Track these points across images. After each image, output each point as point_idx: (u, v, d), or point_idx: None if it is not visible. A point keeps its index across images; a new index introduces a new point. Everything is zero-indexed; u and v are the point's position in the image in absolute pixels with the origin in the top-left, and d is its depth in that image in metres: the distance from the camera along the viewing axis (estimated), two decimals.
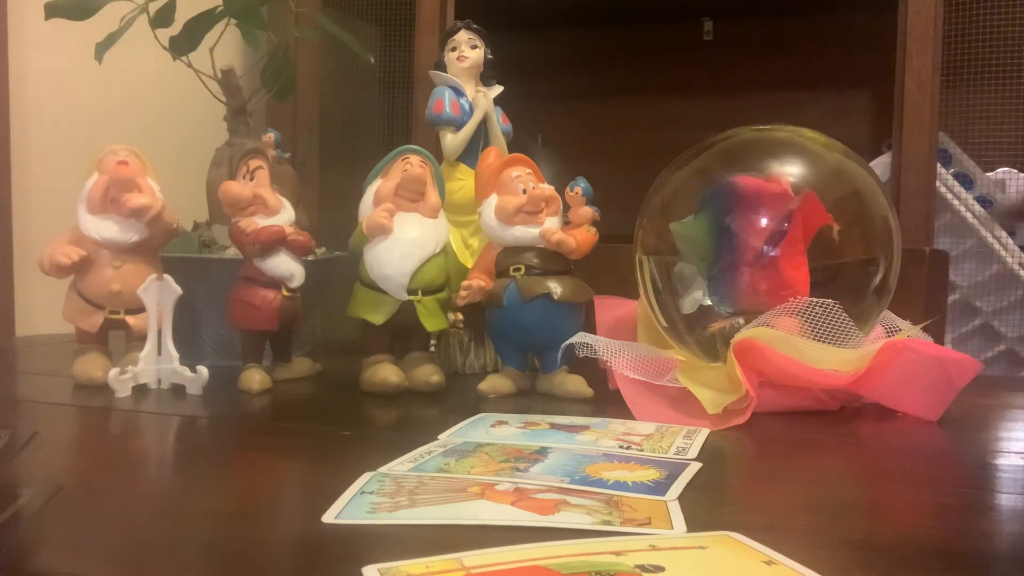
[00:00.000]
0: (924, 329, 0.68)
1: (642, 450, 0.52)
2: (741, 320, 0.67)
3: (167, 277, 0.71)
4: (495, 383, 0.71)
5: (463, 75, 0.86)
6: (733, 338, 0.64)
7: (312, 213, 1.08)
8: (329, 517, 0.39)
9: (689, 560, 0.34)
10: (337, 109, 1.61)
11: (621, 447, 0.52)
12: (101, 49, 0.82)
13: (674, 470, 0.47)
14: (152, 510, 0.43)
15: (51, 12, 0.83)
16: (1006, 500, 0.46)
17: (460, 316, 0.83)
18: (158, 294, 0.70)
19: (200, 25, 0.83)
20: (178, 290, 0.71)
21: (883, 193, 0.69)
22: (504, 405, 0.67)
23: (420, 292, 0.71)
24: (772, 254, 0.66)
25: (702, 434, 0.57)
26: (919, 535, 0.39)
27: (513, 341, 0.73)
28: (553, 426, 0.58)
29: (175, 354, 0.70)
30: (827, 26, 1.61)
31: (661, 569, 0.32)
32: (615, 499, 0.41)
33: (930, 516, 0.43)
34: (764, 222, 0.67)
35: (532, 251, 0.71)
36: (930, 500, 0.45)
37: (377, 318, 0.71)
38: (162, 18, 0.82)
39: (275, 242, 0.71)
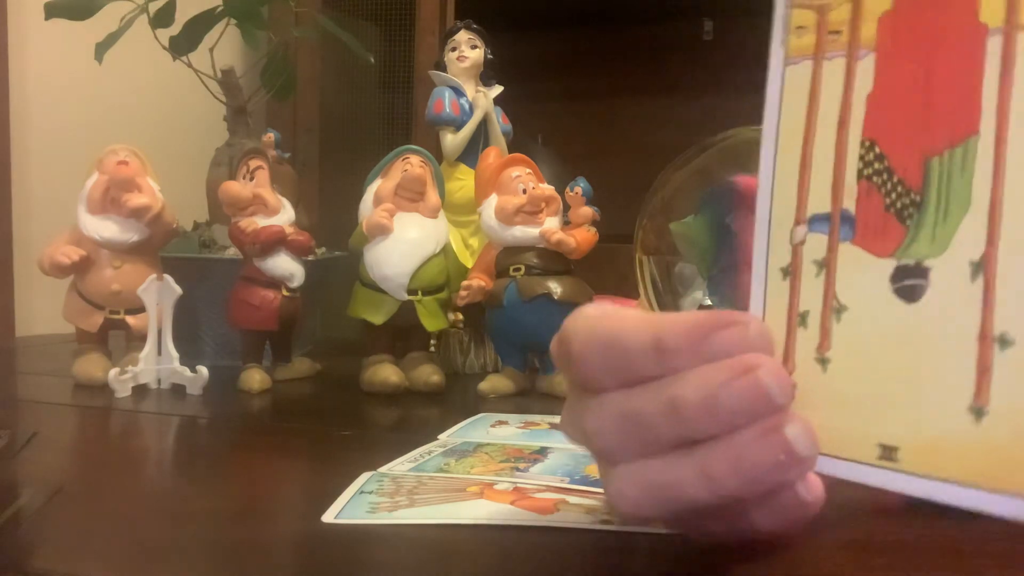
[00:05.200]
0: None
1: None
2: None
3: (167, 277, 0.71)
4: (495, 383, 0.71)
5: (463, 75, 0.86)
6: None
7: (312, 213, 1.08)
8: (329, 517, 0.39)
9: None
10: (337, 109, 1.61)
11: None
12: (101, 49, 0.82)
13: None
14: (152, 510, 0.43)
15: (51, 12, 0.83)
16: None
17: (460, 316, 0.83)
18: (158, 294, 0.70)
19: (200, 25, 0.83)
20: (178, 290, 0.71)
21: None
22: (504, 405, 0.67)
23: (420, 292, 0.71)
24: None
25: None
26: (919, 535, 0.39)
27: (513, 341, 0.73)
28: (553, 426, 0.58)
29: (175, 354, 0.70)
30: None
31: None
32: None
33: (930, 516, 0.43)
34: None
35: (532, 251, 0.71)
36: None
37: (377, 318, 0.71)
38: (162, 18, 0.82)
39: (275, 242, 0.71)
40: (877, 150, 0.26)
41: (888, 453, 0.26)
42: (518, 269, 0.71)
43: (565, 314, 0.31)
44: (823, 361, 0.27)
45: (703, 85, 1.70)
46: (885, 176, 0.26)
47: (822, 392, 0.27)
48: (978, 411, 0.23)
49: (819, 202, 0.28)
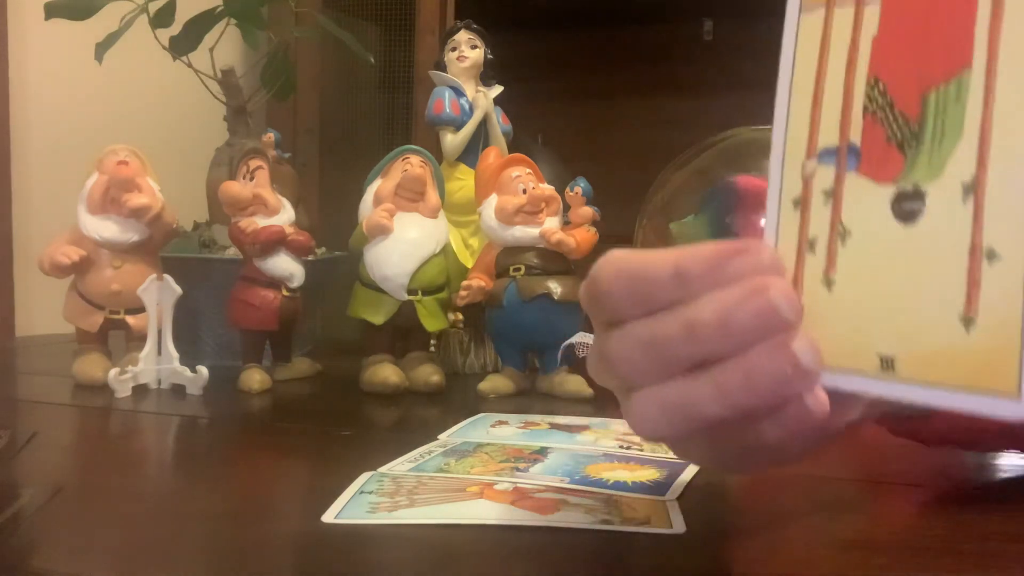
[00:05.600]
0: None
1: (642, 450, 0.52)
2: None
3: (167, 277, 0.71)
4: (495, 383, 0.71)
5: (463, 75, 0.86)
6: None
7: (312, 213, 1.08)
8: (329, 517, 0.39)
9: None
10: (337, 109, 1.61)
11: (621, 447, 0.52)
12: (101, 49, 0.82)
13: (674, 470, 0.47)
14: (152, 510, 0.43)
15: (51, 12, 0.83)
16: (1007, 500, 0.46)
17: (460, 316, 0.83)
18: (158, 294, 0.70)
19: (200, 25, 0.83)
20: (178, 290, 0.71)
21: None
22: (504, 405, 0.67)
23: (420, 292, 0.71)
24: None
25: None
26: (919, 535, 0.39)
27: (513, 341, 0.73)
28: (553, 426, 0.58)
29: (175, 354, 0.70)
30: None
31: None
32: (614, 499, 0.42)
33: (930, 516, 0.43)
34: (764, 222, 0.67)
35: (532, 251, 0.71)
36: (930, 500, 0.45)
37: (377, 318, 0.71)
38: (162, 18, 0.82)
39: (275, 242, 0.71)
40: (881, 87, 0.28)
41: (887, 364, 0.27)
42: (518, 269, 0.71)
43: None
44: (829, 283, 0.29)
45: (703, 85, 1.70)
46: (887, 110, 0.28)
47: (828, 311, 0.29)
48: (968, 321, 0.25)
49: (828, 137, 0.30)
